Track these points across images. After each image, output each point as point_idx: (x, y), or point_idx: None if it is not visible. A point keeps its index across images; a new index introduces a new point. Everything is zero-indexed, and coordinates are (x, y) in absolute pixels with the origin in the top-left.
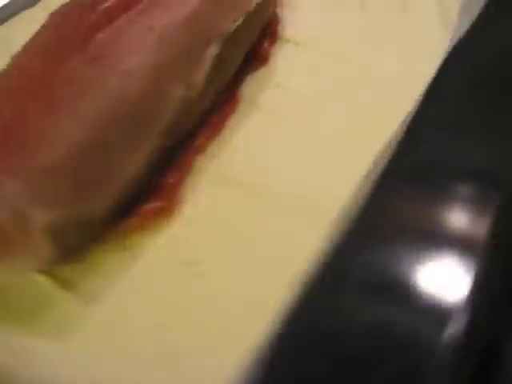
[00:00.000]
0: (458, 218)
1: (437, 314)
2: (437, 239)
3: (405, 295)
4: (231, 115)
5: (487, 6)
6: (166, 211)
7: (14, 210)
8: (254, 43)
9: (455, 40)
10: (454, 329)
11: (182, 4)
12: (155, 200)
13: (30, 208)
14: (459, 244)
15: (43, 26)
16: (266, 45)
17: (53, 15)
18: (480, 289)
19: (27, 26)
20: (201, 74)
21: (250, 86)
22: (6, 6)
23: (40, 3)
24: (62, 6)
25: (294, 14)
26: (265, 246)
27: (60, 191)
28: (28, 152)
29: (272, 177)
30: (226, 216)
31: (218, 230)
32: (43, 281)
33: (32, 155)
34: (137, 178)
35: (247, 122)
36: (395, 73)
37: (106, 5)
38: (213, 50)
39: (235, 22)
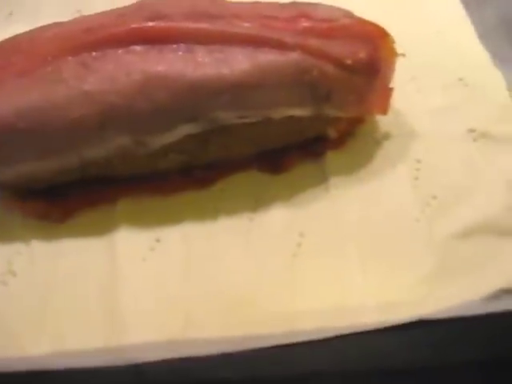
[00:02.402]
0: None
1: None
2: None
3: None
4: (180, 192)
5: None
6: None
7: None
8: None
9: None
10: None
11: (192, 68)
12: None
13: None
14: None
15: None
16: (289, 157)
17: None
18: None
19: None
20: (158, 140)
21: (241, 184)
22: None
23: None
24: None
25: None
26: None
27: None
28: None
29: None
30: None
31: None
32: None
33: None
34: (36, 178)
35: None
36: None
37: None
38: (191, 129)
39: (241, 118)
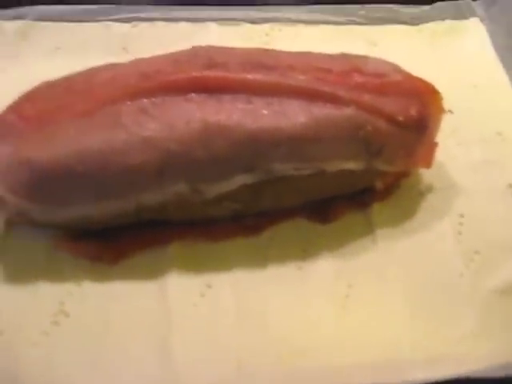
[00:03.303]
0: None
1: None
2: None
3: None
4: (229, 238)
5: None
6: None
7: None
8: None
9: None
10: None
11: (252, 119)
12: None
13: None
14: None
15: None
16: (337, 207)
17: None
18: None
19: None
20: (214, 188)
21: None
22: None
23: None
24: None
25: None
26: None
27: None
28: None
29: None
30: None
31: None
32: None
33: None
34: (90, 220)
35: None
36: None
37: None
38: (247, 179)
39: (297, 170)
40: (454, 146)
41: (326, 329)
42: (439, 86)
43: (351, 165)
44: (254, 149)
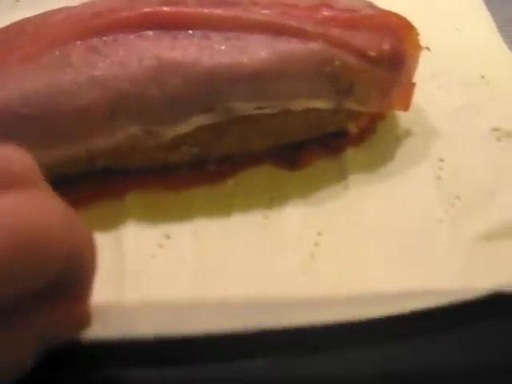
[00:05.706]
0: None
1: None
2: None
3: None
4: (191, 187)
5: None
6: None
7: None
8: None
9: None
10: None
11: (208, 55)
12: None
13: None
14: None
15: None
16: (307, 153)
17: None
18: None
19: None
20: (170, 131)
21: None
22: None
23: None
24: None
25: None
26: None
27: None
28: None
29: None
30: None
31: None
32: None
33: None
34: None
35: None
36: None
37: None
38: (205, 119)
39: (259, 109)
40: (434, 90)
41: (292, 278)
42: (419, 30)
43: (319, 103)
44: (211, 86)
